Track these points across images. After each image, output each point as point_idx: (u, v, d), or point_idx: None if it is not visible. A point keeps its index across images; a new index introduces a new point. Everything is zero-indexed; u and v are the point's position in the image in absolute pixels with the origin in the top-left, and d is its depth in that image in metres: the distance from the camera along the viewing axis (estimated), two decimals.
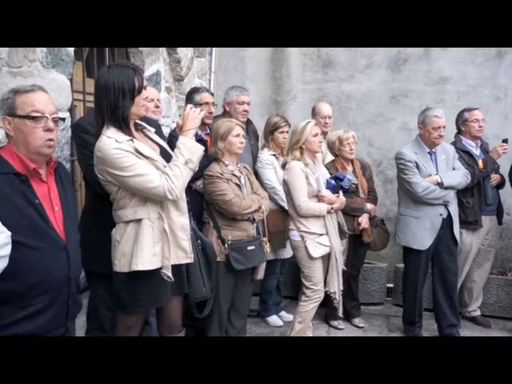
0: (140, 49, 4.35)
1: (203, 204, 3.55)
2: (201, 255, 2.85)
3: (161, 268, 2.51)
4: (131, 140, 2.47)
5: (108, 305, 2.82)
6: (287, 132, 4.42)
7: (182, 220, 2.60)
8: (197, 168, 2.65)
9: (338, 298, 3.85)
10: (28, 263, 2.02)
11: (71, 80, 3.31)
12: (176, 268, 2.60)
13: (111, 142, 2.43)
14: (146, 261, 2.49)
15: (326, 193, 3.72)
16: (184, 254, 2.59)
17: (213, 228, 3.42)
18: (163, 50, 4.79)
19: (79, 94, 3.73)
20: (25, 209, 2.06)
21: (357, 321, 4.71)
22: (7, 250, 1.87)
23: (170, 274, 2.51)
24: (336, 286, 3.80)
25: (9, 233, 1.90)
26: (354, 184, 4.18)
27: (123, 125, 2.48)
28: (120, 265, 2.53)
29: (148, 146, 2.60)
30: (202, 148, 2.63)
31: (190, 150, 2.54)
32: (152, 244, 2.51)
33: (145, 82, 2.57)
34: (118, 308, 2.65)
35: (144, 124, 2.71)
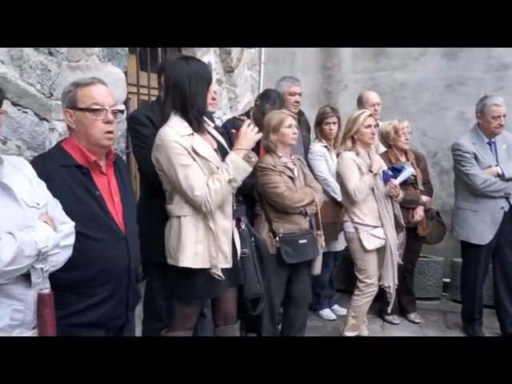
0: None
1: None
2: (255, 252, 2.84)
3: (208, 268, 2.52)
4: (191, 135, 2.48)
5: (164, 295, 2.84)
6: (334, 123, 4.34)
7: (225, 223, 2.59)
8: (240, 185, 2.60)
9: (392, 292, 3.76)
10: (90, 253, 2.06)
11: (125, 73, 3.35)
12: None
13: (173, 133, 2.45)
14: (188, 259, 2.51)
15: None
16: (224, 259, 2.57)
17: (265, 221, 3.39)
18: None
19: (133, 86, 3.78)
20: (86, 200, 2.10)
21: (412, 316, 4.59)
22: (71, 239, 1.93)
23: (220, 273, 2.51)
24: (391, 280, 3.71)
25: (72, 223, 1.96)
26: (412, 175, 4.07)
27: (193, 116, 2.50)
28: (171, 258, 2.57)
29: (207, 140, 2.59)
30: (250, 169, 2.59)
31: (237, 170, 2.51)
32: (194, 243, 2.52)
33: None
34: (175, 299, 2.67)
35: (205, 118, 2.71)
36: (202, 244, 2.52)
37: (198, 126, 2.52)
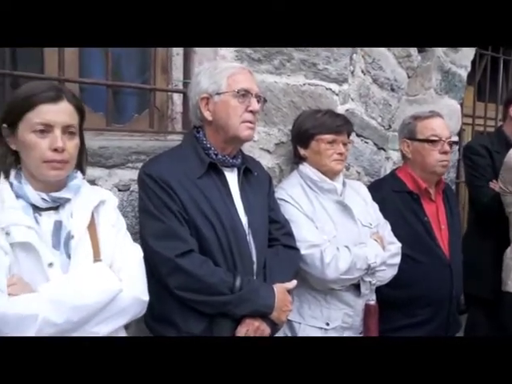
0: None
1: None
2: None
3: None
4: None
5: (486, 331, 2.73)
6: None
7: None
8: None
9: None
10: (414, 275, 2.18)
11: (461, 104, 3.38)
12: None
13: None
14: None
15: None
16: None
17: None
18: None
19: (468, 117, 3.76)
20: (415, 225, 2.24)
21: None
22: (397, 259, 2.11)
23: None
24: None
25: (399, 244, 2.14)
26: None
27: None
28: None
29: None
30: None
31: None
32: None
33: None
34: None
35: None
36: None
37: None
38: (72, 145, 1.37)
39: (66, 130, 1.35)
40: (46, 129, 1.32)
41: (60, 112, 1.34)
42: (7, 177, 1.37)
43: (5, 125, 1.36)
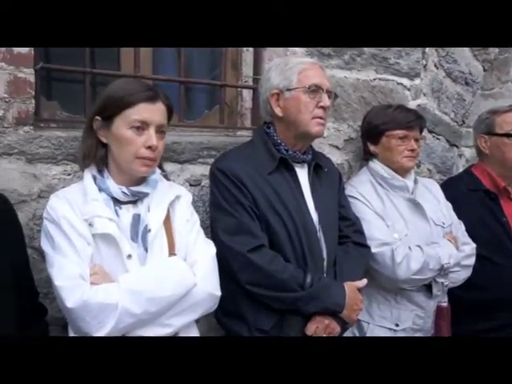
0: None
1: None
2: None
3: None
4: None
5: None
6: None
7: None
8: None
9: None
10: (491, 278, 2.10)
11: None
12: None
13: None
14: None
15: None
16: None
17: None
18: None
19: None
20: (492, 225, 2.15)
21: None
22: (471, 260, 2.03)
23: None
24: None
25: (474, 245, 2.06)
26: None
27: None
28: None
29: None
30: None
31: None
32: None
33: None
34: None
35: None
36: None
37: None
38: (161, 143, 1.42)
39: (159, 129, 1.40)
40: (143, 126, 1.37)
41: (156, 111, 1.39)
42: (100, 170, 1.42)
43: (98, 117, 1.40)
